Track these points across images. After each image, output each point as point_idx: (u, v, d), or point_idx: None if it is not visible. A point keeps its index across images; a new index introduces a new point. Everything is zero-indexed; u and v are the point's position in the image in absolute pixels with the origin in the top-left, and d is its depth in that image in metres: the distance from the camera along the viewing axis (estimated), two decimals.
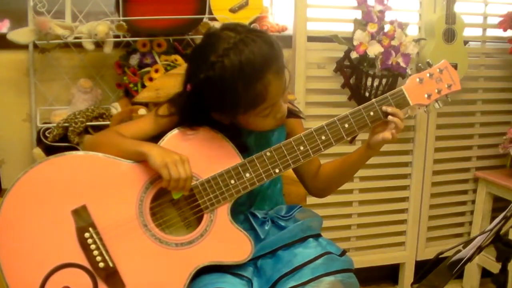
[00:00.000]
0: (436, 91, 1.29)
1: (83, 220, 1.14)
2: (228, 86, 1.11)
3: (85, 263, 1.13)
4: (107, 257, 1.13)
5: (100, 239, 1.14)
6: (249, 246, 1.18)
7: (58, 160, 1.17)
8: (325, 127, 1.23)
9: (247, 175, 1.19)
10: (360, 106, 1.25)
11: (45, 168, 1.16)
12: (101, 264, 1.13)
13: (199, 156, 1.19)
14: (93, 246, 1.13)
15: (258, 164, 1.20)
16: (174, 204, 1.23)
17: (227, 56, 1.10)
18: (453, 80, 1.30)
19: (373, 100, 1.25)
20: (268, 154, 1.20)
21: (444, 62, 1.30)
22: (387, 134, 1.24)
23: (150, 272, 1.15)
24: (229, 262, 1.18)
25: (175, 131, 1.21)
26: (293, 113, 1.32)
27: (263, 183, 1.21)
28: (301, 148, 1.21)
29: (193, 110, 1.19)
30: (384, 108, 1.24)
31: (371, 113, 1.24)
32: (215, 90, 1.13)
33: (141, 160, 1.16)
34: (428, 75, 1.29)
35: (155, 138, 1.23)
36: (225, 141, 1.21)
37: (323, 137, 1.22)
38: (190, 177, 1.14)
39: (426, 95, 1.28)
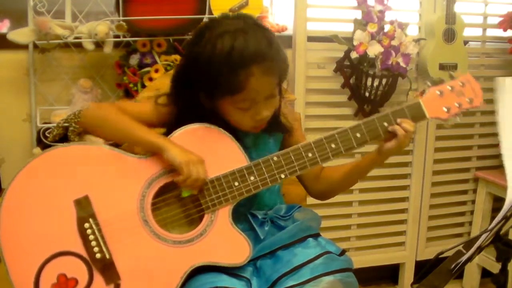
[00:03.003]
0: (457, 105, 1.23)
1: (84, 210, 1.14)
2: (213, 63, 1.11)
3: (82, 252, 1.13)
4: (104, 249, 1.14)
5: (99, 231, 1.14)
6: (247, 249, 1.18)
7: (64, 150, 1.18)
8: (336, 135, 1.20)
9: (252, 178, 1.18)
10: (374, 116, 1.20)
11: (51, 157, 1.17)
12: (98, 255, 1.13)
13: (206, 155, 1.18)
14: (91, 237, 1.14)
15: (264, 168, 1.18)
16: (177, 201, 1.22)
17: (221, 37, 1.11)
18: (475, 93, 1.24)
19: (388, 111, 1.21)
20: (275, 159, 1.19)
21: (467, 75, 1.25)
22: (392, 144, 1.20)
23: (146, 267, 1.15)
24: (226, 263, 1.17)
25: (185, 128, 1.20)
26: (281, 127, 1.30)
27: (267, 187, 1.20)
28: (310, 155, 1.19)
29: (183, 89, 1.21)
30: (398, 121, 1.20)
31: (385, 124, 1.20)
32: (201, 64, 1.13)
33: (150, 151, 1.17)
34: (449, 88, 1.23)
35: (153, 127, 1.24)
36: (234, 142, 1.20)
37: (333, 145, 1.20)
38: (204, 179, 1.15)
39: (445, 109, 1.23)
